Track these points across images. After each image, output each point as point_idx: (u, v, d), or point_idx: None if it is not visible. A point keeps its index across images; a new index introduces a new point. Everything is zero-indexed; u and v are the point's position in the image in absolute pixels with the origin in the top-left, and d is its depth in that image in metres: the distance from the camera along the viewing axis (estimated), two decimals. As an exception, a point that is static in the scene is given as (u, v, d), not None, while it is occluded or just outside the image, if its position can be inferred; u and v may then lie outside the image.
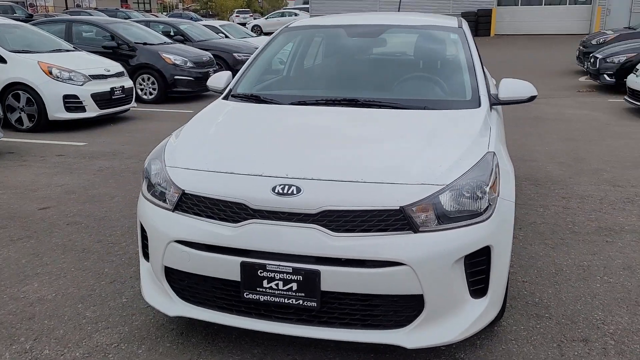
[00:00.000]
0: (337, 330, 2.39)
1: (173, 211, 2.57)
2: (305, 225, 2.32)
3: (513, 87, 3.30)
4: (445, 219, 2.32)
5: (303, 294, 2.34)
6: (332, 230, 2.30)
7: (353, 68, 3.71)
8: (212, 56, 12.30)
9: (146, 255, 2.83)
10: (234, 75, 3.77)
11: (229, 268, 2.42)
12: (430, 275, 2.27)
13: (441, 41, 3.82)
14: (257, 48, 14.04)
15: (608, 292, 3.29)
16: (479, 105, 3.14)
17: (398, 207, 2.29)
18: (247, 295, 2.42)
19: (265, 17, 38.53)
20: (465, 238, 2.32)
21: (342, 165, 2.48)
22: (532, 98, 3.30)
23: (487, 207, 2.41)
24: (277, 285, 2.36)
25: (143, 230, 2.80)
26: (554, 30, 28.25)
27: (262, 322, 2.46)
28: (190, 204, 2.53)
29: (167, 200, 2.62)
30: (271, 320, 2.46)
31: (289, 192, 2.36)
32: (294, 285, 2.34)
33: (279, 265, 2.33)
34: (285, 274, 2.33)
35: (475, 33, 28.94)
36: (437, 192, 2.33)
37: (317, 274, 2.30)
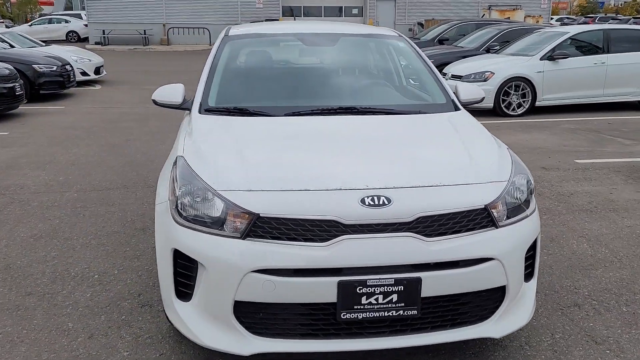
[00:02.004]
0: (431, 335, 2.42)
1: (244, 239, 2.31)
2: (400, 234, 2.31)
3: (469, 90, 3.64)
4: (511, 212, 2.51)
5: (403, 304, 2.32)
6: (426, 235, 2.33)
7: (323, 76, 3.69)
8: (13, 68, 10.72)
9: (185, 295, 2.48)
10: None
11: (324, 290, 2.27)
12: (512, 266, 2.45)
13: (393, 49, 4.01)
14: (54, 58, 12.60)
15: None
16: (456, 108, 3.41)
17: (483, 206, 2.41)
18: (344, 315, 2.31)
19: (30, 24, 34.50)
20: (528, 228, 2.55)
21: (411, 171, 2.51)
22: (483, 99, 3.68)
23: (530, 199, 2.67)
24: (376, 299, 2.30)
25: (181, 268, 2.46)
26: (334, 39, 30.62)
27: (356, 341, 2.37)
28: (268, 228, 2.30)
29: (226, 227, 2.35)
30: (364, 337, 2.38)
31: (380, 202, 2.32)
32: (395, 297, 2.31)
33: (380, 278, 2.27)
34: (386, 287, 2.29)
35: (265, 42, 29.92)
36: (505, 188, 2.51)
37: (418, 281, 2.30)
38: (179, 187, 2.52)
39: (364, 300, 2.29)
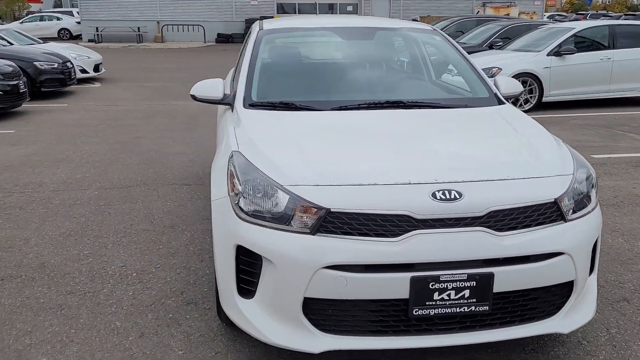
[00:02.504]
0: (500, 331, 2.40)
1: (314, 234, 2.27)
2: (472, 229, 2.28)
3: (509, 83, 3.62)
4: (577, 206, 2.49)
5: (474, 300, 2.30)
6: (497, 230, 2.30)
7: (364, 70, 3.65)
8: (16, 66, 10.57)
9: (247, 292, 2.45)
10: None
11: (396, 286, 2.25)
12: (581, 261, 2.43)
13: (430, 43, 3.99)
14: (55, 55, 12.46)
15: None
16: (499, 102, 3.38)
17: (553, 200, 2.39)
18: (416, 312, 2.28)
19: (21, 21, 34.09)
20: (594, 222, 2.54)
21: (478, 165, 2.49)
22: (522, 92, 3.66)
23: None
24: (448, 295, 2.28)
25: (244, 264, 2.42)
26: (329, 36, 30.56)
27: (427, 337, 2.35)
28: (339, 223, 2.27)
29: (293, 223, 2.31)
30: (434, 333, 2.36)
31: (452, 197, 2.29)
32: (467, 292, 2.28)
33: (453, 274, 2.25)
34: (458, 282, 2.26)
35: (260, 39, 29.78)
36: (572, 181, 2.49)
37: (491, 276, 2.28)
38: (241, 182, 2.48)
39: (436, 296, 2.27)
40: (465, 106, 3.26)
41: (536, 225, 2.36)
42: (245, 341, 2.83)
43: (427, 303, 2.28)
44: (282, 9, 31.07)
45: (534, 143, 2.76)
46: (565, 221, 2.42)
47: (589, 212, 2.53)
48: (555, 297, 2.46)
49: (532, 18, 26.41)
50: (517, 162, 2.56)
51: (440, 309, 2.29)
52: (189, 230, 4.37)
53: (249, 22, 30.06)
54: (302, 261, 2.26)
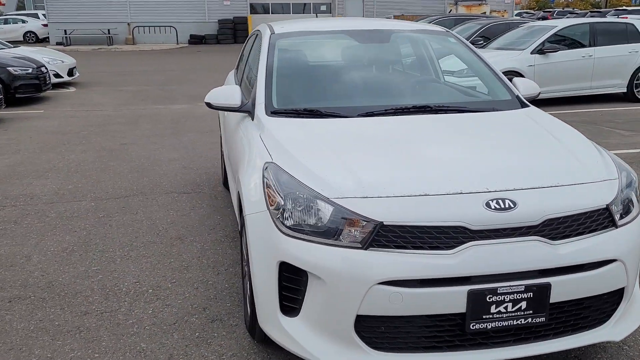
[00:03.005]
0: (554, 342, 2.35)
1: (366, 249, 2.18)
2: (527, 239, 2.22)
3: (528, 85, 3.58)
4: (624, 211, 2.45)
5: (531, 311, 2.24)
6: (551, 239, 2.25)
7: (385, 75, 3.58)
8: (-9, 71, 10.21)
9: (290, 310, 2.34)
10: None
11: (452, 300, 2.17)
12: (633, 267, 2.40)
13: (446, 45, 3.92)
14: (28, 60, 12.04)
15: None
16: (522, 104, 3.34)
17: (605, 206, 2.35)
18: (473, 326, 2.21)
19: (-17, 24, 33.05)
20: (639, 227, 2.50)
21: (527, 172, 2.43)
22: (539, 94, 3.64)
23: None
24: (505, 308, 2.21)
25: (287, 281, 2.32)
26: (303, 36, 30.46)
27: (482, 352, 2.28)
28: (392, 236, 2.18)
29: (343, 237, 2.21)
30: (489, 347, 2.29)
31: (506, 206, 2.23)
32: (524, 304, 2.22)
33: (511, 285, 2.18)
34: (516, 294, 2.20)
35: (235, 40, 29.58)
36: (619, 185, 2.46)
37: (548, 287, 2.22)
38: (283, 196, 2.37)
39: (493, 309, 2.20)
40: (493, 109, 3.20)
41: (589, 232, 2.32)
42: (283, 359, 2.72)
43: (484, 317, 2.21)
44: (255, 10, 30.82)
45: (574, 147, 2.72)
46: (616, 227, 2.38)
47: (635, 217, 2.49)
48: (606, 304, 2.42)
49: (503, 16, 26.75)
50: (564, 167, 2.51)
51: (497, 322, 2.23)
52: (198, 241, 4.23)
53: (223, 23, 29.77)
54: (356, 277, 2.16)
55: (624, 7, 36.72)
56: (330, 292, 2.21)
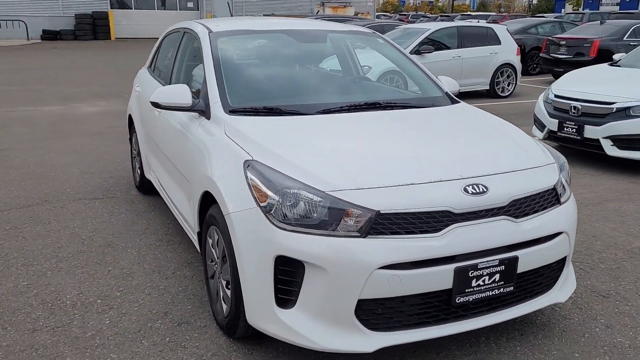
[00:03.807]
0: (517, 307, 2.66)
1: (364, 237, 2.32)
2: (498, 218, 2.50)
3: (450, 82, 3.94)
4: (562, 190, 2.84)
5: (502, 282, 2.53)
6: (515, 217, 2.55)
7: (328, 73, 3.69)
8: None
9: (286, 302, 2.42)
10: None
11: (441, 278, 2.39)
12: (572, 238, 2.79)
13: (377, 45, 4.14)
14: None
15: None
16: (452, 100, 3.68)
17: (552, 186, 2.71)
18: (458, 300, 2.44)
19: None
20: (574, 203, 2.91)
21: (487, 159, 2.71)
22: (459, 91, 4.02)
23: None
24: (483, 281, 2.47)
25: (282, 274, 2.39)
26: (169, 34, 29.51)
27: (463, 322, 2.52)
28: (388, 224, 2.34)
29: (340, 227, 2.33)
30: (468, 318, 2.54)
31: (481, 190, 2.49)
32: (497, 277, 2.50)
33: (488, 260, 2.45)
34: (492, 268, 2.47)
35: (94, 36, 27.87)
36: (559, 168, 2.84)
37: (516, 259, 2.52)
38: (275, 191, 2.42)
39: (474, 283, 2.45)
40: (432, 105, 3.49)
41: (542, 210, 2.66)
42: (263, 353, 2.77)
43: (467, 290, 2.45)
44: (117, 4, 29.24)
45: (514, 137, 3.07)
46: (560, 204, 2.76)
47: (569, 196, 2.90)
48: (553, 271, 2.78)
49: (366, 18, 28.09)
50: (515, 154, 2.83)
51: (476, 295, 2.48)
52: (132, 247, 4.06)
53: (80, 18, 27.89)
54: (357, 264, 2.29)
55: (469, 13, 40.27)
56: (332, 280, 2.31)
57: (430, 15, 42.38)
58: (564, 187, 2.85)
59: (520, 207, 2.58)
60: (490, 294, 2.52)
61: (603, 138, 6.01)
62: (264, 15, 27.58)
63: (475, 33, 11.78)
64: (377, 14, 48.38)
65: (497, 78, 11.83)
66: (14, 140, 7.50)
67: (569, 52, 13.62)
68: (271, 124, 2.97)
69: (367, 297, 2.34)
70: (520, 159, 2.79)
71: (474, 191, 2.48)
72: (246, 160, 2.63)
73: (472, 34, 11.69)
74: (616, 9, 47.46)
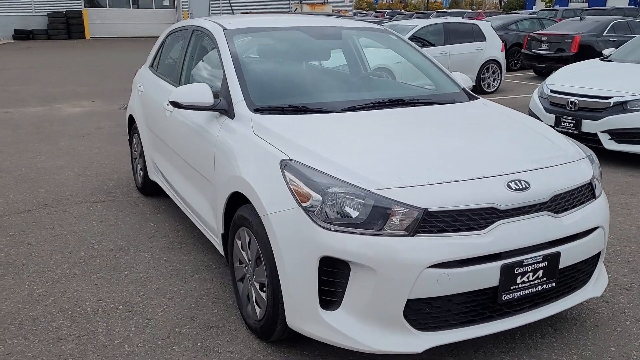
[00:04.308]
0: (557, 303, 2.66)
1: (412, 235, 2.28)
2: (539, 214, 2.49)
3: (464, 78, 3.94)
4: (596, 184, 2.84)
5: (545, 278, 2.52)
6: (556, 212, 2.55)
7: (349, 70, 3.64)
8: None
9: (331, 304, 2.38)
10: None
11: (489, 275, 2.37)
12: (607, 232, 2.80)
13: (389, 42, 4.10)
14: None
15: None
16: (470, 96, 3.67)
17: (589, 181, 2.71)
18: (504, 297, 2.43)
19: None
20: (605, 197, 2.92)
21: (524, 155, 2.69)
22: (471, 87, 4.01)
23: None
24: (527, 277, 2.46)
25: (327, 275, 2.34)
26: (145, 32, 29.12)
27: (507, 320, 2.51)
28: (435, 222, 2.31)
29: (387, 226, 2.29)
30: (511, 315, 2.52)
31: (523, 186, 2.47)
32: (540, 273, 2.49)
33: (532, 257, 2.44)
34: (535, 264, 2.46)
35: (68, 35, 27.32)
36: (592, 163, 2.84)
37: (558, 255, 2.51)
38: (318, 190, 2.37)
39: (519, 280, 2.44)
40: (453, 101, 3.47)
41: (580, 204, 2.66)
42: (299, 356, 2.72)
43: (512, 287, 2.43)
44: (89, 3, 28.66)
45: (543, 132, 3.06)
46: (595, 199, 2.76)
47: (601, 190, 2.90)
48: (589, 266, 2.79)
49: (345, 15, 28.09)
50: (550, 149, 2.83)
51: (521, 291, 2.47)
52: (145, 251, 3.96)
53: (53, 17, 27.29)
54: (407, 263, 2.26)
55: (444, 10, 40.55)
56: (380, 280, 2.27)
57: (406, 13, 42.61)
58: (597, 181, 2.86)
59: (561, 203, 2.57)
60: (534, 290, 2.50)
61: (601, 132, 6.09)
62: (242, 13, 27.36)
63: (461, 30, 11.86)
64: (354, 11, 48.47)
65: (483, 74, 11.93)
66: (-1, 143, 7.28)
67: (550, 48, 13.80)
68: (300, 122, 2.92)
69: (416, 296, 2.30)
70: (555, 154, 2.79)
71: (517, 187, 2.46)
72: (282, 160, 2.57)
73: (458, 31, 11.77)
74: (585, 5, 48.47)
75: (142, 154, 4.95)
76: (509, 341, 2.84)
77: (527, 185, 2.49)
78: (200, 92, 3.16)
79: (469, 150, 2.68)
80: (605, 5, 42.40)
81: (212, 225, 3.36)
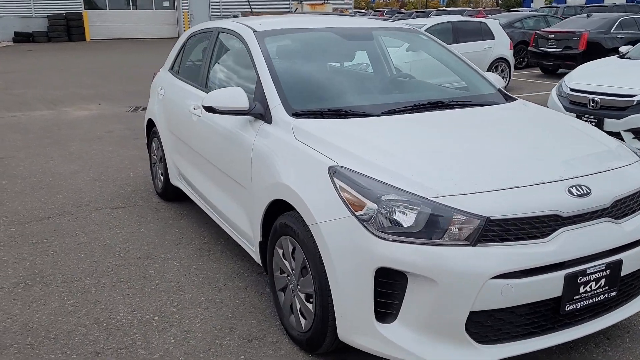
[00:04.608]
0: (617, 312, 2.56)
1: (474, 245, 2.19)
2: (600, 220, 2.40)
3: (496, 79, 3.84)
4: None
5: (607, 287, 2.43)
6: (617, 218, 2.46)
7: (385, 72, 3.55)
8: None
9: (387, 316, 2.29)
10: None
11: (552, 285, 2.28)
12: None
13: (419, 42, 4.01)
14: None
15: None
16: (506, 97, 3.57)
17: None
18: (567, 308, 2.34)
19: None
20: None
21: (582, 158, 2.60)
22: (505, 87, 3.92)
23: None
24: (590, 287, 2.37)
25: (382, 286, 2.26)
26: (145, 34, 29.02)
27: (567, 331, 2.42)
28: (498, 230, 2.22)
29: (447, 236, 2.20)
30: (572, 326, 2.43)
31: (585, 192, 2.38)
32: (603, 282, 2.40)
33: (595, 265, 2.35)
34: (598, 273, 2.37)
35: (69, 38, 27.19)
36: None
37: (620, 263, 2.42)
38: (373, 199, 2.28)
39: (581, 289, 2.35)
40: (493, 103, 3.37)
41: (638, 209, 2.56)
42: (350, 368, 2.63)
43: (574, 297, 2.34)
44: (90, 4, 28.51)
45: (593, 134, 2.97)
46: (653, 200, 2.67)
47: None
48: (647, 271, 2.69)
49: (346, 14, 27.99)
50: (604, 152, 2.74)
51: (584, 301, 2.38)
52: (173, 258, 3.87)
53: (53, 19, 27.16)
54: (470, 274, 2.16)
55: (444, 9, 40.45)
56: (442, 292, 2.18)
57: (405, 12, 42.50)
58: None
59: (621, 208, 2.48)
60: (596, 300, 2.41)
61: (624, 131, 6.00)
62: (242, 13, 27.27)
63: (470, 28, 11.78)
64: (354, 10, 48.40)
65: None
66: (9, 148, 7.18)
67: (558, 46, 13.73)
68: (343, 126, 2.82)
69: (479, 309, 2.21)
70: (610, 157, 2.70)
71: (579, 192, 2.37)
72: (331, 166, 2.48)
73: (466, 29, 11.69)
74: (583, 2, 48.43)
75: (162, 159, 4.86)
76: (563, 352, 2.76)
77: (589, 191, 2.40)
78: (235, 96, 3.07)
79: (521, 154, 2.58)
80: (602, 2, 42.40)
81: (246, 233, 3.26)
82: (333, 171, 2.45)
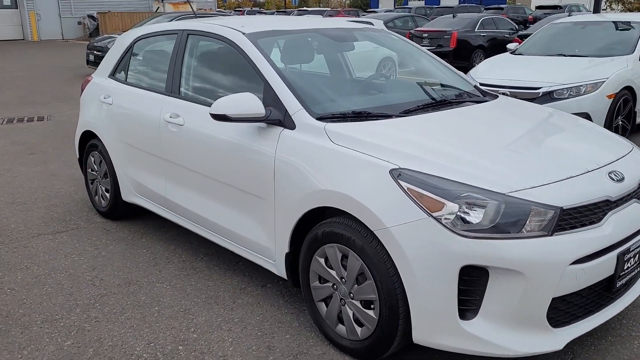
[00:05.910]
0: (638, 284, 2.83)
1: (551, 235, 2.29)
2: (631, 202, 2.64)
3: (470, 77, 4.05)
4: None
5: (639, 262, 2.68)
6: (638, 199, 2.72)
7: (382, 72, 3.52)
8: None
9: (467, 312, 2.33)
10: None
11: (609, 265, 2.46)
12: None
13: (391, 42, 4.04)
14: None
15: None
16: (484, 94, 3.77)
17: None
18: (618, 284, 2.54)
19: None
20: None
21: (599, 148, 2.82)
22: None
23: None
24: (630, 263, 2.60)
25: (464, 284, 2.30)
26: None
27: (614, 305, 2.62)
28: (568, 219, 2.34)
29: (525, 228, 2.28)
30: (615, 300, 2.65)
31: (621, 177, 2.60)
32: (638, 257, 2.65)
33: (635, 242, 2.59)
34: (635, 250, 2.61)
35: None
36: None
37: (646, 239, 2.69)
38: (452, 198, 2.29)
39: (626, 265, 2.57)
40: (484, 99, 3.53)
41: (649, 190, 2.86)
42: None
43: (621, 274, 2.56)
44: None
45: (586, 125, 3.24)
46: (653, 183, 2.98)
47: None
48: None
49: (211, 13, 27.44)
50: (608, 140, 2.99)
51: (626, 277, 2.60)
52: (159, 281, 3.55)
53: None
54: (553, 263, 2.26)
55: (305, 9, 41.24)
56: (528, 282, 2.26)
57: (266, 12, 42.70)
58: None
59: None
60: (632, 274, 2.65)
61: (534, 120, 6.60)
62: (98, 13, 25.60)
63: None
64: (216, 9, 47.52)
65: (380, 71, 12.35)
66: None
67: (431, 44, 14.70)
68: (378, 127, 2.78)
69: (559, 294, 2.33)
70: (615, 144, 2.97)
71: (617, 177, 2.59)
72: (393, 169, 2.44)
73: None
74: (422, 3, 52.21)
75: (107, 174, 4.42)
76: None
77: (623, 175, 2.62)
78: (249, 102, 2.89)
79: (552, 146, 2.75)
80: (439, 4, 46.13)
81: (261, 245, 3.10)
82: (397, 174, 2.42)
